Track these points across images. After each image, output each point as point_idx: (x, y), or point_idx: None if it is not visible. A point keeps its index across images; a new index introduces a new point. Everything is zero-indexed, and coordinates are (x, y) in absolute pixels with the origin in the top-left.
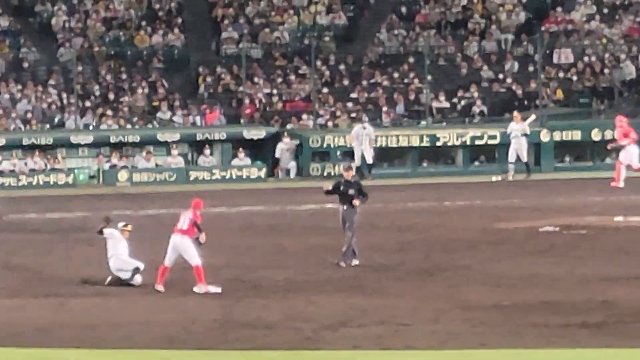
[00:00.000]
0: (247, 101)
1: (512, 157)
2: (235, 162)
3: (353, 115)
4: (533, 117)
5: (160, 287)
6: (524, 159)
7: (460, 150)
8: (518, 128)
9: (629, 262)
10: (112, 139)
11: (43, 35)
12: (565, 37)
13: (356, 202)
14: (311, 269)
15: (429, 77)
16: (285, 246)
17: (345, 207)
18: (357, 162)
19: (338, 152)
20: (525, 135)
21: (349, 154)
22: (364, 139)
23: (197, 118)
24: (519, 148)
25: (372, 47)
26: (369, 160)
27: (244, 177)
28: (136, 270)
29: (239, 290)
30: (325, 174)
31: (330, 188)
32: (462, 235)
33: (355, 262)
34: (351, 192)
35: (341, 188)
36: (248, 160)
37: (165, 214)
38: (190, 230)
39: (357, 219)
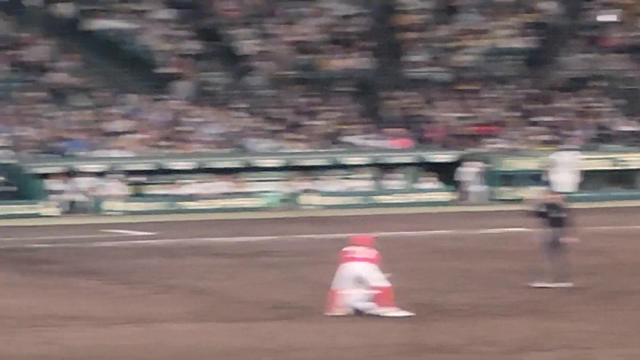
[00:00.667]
0: (433, 125)
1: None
2: (422, 185)
3: (545, 138)
4: None
5: (335, 312)
6: None
7: None
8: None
9: None
10: (301, 163)
11: (232, 59)
12: None
13: (572, 239)
14: (496, 293)
15: (617, 101)
16: (471, 270)
17: (553, 230)
18: (557, 187)
19: (529, 176)
20: None
21: (535, 177)
22: (564, 165)
23: (384, 141)
24: None
25: (559, 71)
26: (569, 188)
27: (431, 200)
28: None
29: (426, 314)
30: (513, 197)
31: (535, 209)
32: None
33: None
34: (559, 215)
35: (549, 211)
36: (435, 184)
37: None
38: (374, 259)
39: (565, 239)
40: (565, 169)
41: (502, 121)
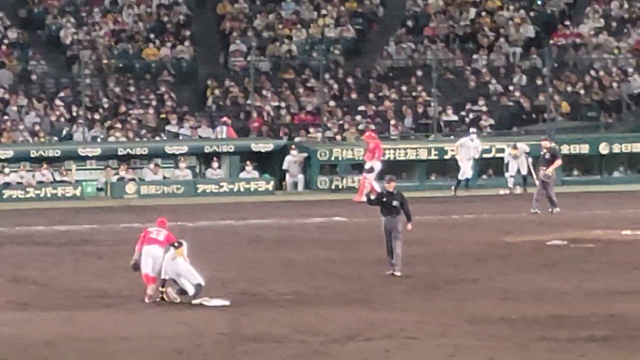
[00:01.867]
0: (255, 114)
1: (512, 170)
2: (243, 174)
3: (365, 128)
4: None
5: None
6: (524, 172)
7: None
8: (518, 151)
9: (636, 276)
10: (120, 152)
11: (52, 48)
12: (574, 51)
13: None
14: (319, 282)
15: (437, 91)
16: (294, 259)
17: (389, 217)
18: (462, 175)
19: (349, 165)
20: (527, 153)
21: (356, 166)
22: (470, 151)
23: (206, 131)
24: (521, 163)
25: (380, 60)
26: (470, 174)
27: (252, 189)
28: (199, 287)
29: (247, 304)
30: (333, 187)
31: (373, 198)
32: (470, 249)
33: (398, 272)
34: (395, 203)
35: (384, 199)
36: (256, 173)
37: (172, 227)
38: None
39: (401, 227)
40: (466, 155)
41: (323, 110)
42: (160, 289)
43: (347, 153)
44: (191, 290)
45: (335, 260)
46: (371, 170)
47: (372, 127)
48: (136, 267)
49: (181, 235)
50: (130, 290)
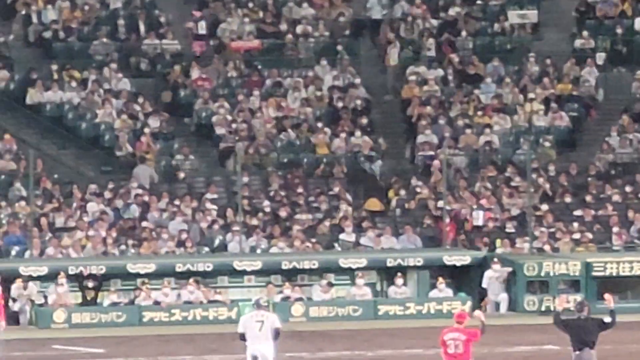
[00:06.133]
0: (448, 219)
1: None
2: (434, 293)
3: (580, 237)
4: None
5: None
6: None
7: None
8: None
9: None
10: (285, 266)
11: (201, 139)
12: None
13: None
14: None
15: None
16: None
17: (577, 352)
18: None
19: (562, 282)
20: None
21: (573, 284)
22: None
23: (388, 240)
24: None
25: (600, 154)
26: None
27: (445, 311)
28: None
29: None
30: (543, 308)
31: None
32: None
33: None
34: (587, 333)
35: (572, 326)
36: (450, 292)
37: (347, 357)
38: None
39: None
40: None
41: (530, 215)
42: None
43: (559, 267)
44: None
45: None
46: None
47: (590, 235)
48: None
49: None
50: None
